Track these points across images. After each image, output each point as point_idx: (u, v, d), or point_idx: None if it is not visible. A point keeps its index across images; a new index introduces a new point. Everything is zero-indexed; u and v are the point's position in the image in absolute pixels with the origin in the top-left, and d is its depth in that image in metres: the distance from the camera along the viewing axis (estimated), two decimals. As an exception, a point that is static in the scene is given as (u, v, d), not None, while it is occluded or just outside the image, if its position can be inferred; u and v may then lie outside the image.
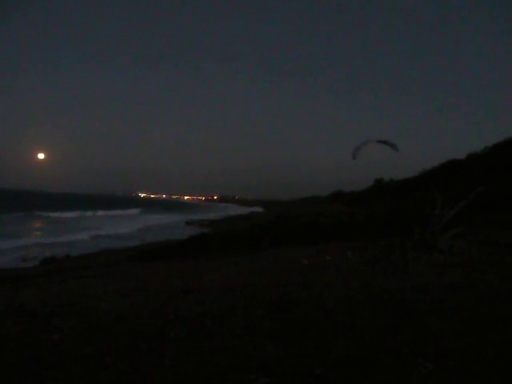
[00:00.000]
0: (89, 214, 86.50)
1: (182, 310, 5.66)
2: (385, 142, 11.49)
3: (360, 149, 11.50)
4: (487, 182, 20.46)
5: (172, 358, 3.78)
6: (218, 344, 4.06)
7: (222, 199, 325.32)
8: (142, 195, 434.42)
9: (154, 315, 5.44)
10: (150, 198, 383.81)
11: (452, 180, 30.30)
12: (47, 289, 10.94)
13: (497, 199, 19.37)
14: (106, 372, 3.53)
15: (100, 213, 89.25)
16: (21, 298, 8.49)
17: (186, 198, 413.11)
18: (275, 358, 3.66)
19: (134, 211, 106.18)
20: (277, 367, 3.46)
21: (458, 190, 17.65)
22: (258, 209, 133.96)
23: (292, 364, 3.51)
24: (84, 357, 3.87)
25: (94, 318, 5.45)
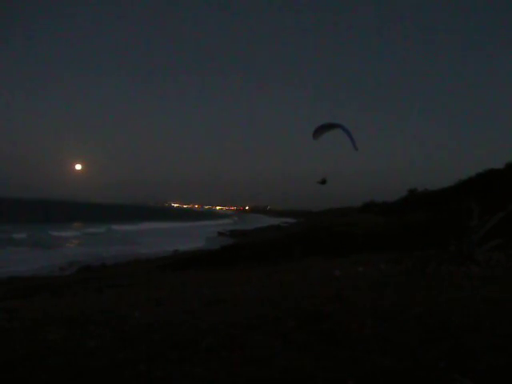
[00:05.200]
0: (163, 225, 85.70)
1: (213, 319, 5.69)
2: (348, 134, 10.80)
3: (323, 132, 11.06)
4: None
5: (204, 367, 3.80)
6: (249, 355, 4.06)
7: (253, 209, 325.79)
8: (175, 205, 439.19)
9: (185, 324, 5.49)
10: (183, 208, 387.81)
11: (490, 190, 29.41)
12: (83, 297, 11.24)
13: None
14: (140, 380, 3.59)
15: (171, 225, 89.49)
16: (58, 305, 8.75)
17: (217, 208, 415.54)
18: (308, 370, 3.63)
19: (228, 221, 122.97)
20: (309, 379, 3.43)
21: (496, 200, 17.11)
22: (290, 219, 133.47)
23: (325, 376, 3.47)
24: (119, 364, 3.94)
25: (128, 327, 5.55)
